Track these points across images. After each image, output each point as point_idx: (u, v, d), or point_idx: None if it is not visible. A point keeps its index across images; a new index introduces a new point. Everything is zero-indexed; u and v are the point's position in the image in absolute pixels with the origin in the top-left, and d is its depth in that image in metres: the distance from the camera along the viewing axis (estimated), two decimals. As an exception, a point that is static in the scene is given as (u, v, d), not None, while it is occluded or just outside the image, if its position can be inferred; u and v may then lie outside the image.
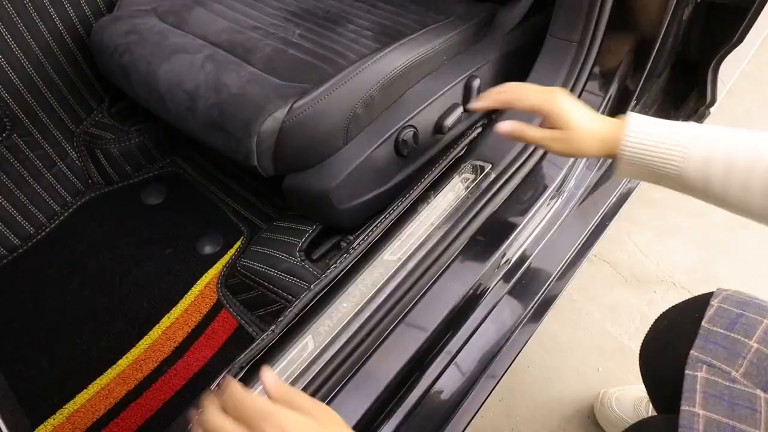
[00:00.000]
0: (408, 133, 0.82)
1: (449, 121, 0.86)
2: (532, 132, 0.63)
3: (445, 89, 0.85)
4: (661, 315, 0.72)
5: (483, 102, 0.66)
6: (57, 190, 1.12)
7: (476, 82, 0.88)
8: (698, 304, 0.65)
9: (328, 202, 0.81)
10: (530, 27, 0.97)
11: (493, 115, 0.95)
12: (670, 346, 0.65)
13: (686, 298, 0.69)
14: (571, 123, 0.60)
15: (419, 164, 0.89)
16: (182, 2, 1.02)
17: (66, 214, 1.14)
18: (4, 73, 0.96)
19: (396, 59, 0.81)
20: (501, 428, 1.06)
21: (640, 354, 0.73)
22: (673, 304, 0.71)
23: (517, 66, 0.96)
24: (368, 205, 0.85)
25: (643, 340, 0.73)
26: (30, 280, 1.03)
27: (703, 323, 0.60)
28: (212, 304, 0.97)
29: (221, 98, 0.78)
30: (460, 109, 0.89)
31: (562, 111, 0.60)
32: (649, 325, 0.73)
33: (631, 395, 1.00)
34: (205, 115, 0.80)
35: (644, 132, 0.57)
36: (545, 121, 0.63)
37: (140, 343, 0.93)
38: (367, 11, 1.02)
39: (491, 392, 0.76)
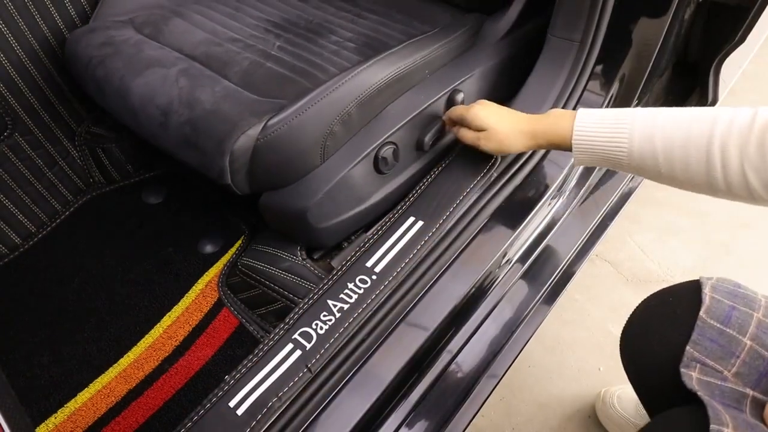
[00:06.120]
0: (388, 150, 0.79)
1: (431, 138, 0.83)
2: (465, 132, 0.76)
3: (427, 104, 0.82)
4: (642, 302, 0.72)
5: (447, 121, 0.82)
6: (58, 188, 1.12)
7: (460, 96, 0.86)
8: (681, 292, 0.66)
9: (304, 222, 0.79)
10: (517, 38, 0.95)
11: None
12: (656, 333, 0.65)
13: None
14: (486, 123, 0.72)
15: (400, 182, 0.86)
16: (161, 12, 0.99)
17: (67, 212, 1.14)
18: (5, 72, 0.96)
19: (375, 74, 0.78)
20: (502, 427, 1.06)
21: (621, 341, 0.73)
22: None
23: (503, 78, 0.94)
24: (347, 224, 0.83)
25: (625, 327, 0.73)
26: (31, 279, 1.03)
27: (700, 314, 0.61)
28: (213, 302, 0.97)
29: (194, 115, 0.76)
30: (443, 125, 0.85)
31: (477, 116, 0.73)
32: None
33: (632, 394, 1.00)
34: (177, 132, 0.78)
35: (589, 122, 0.64)
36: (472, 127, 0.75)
37: (141, 341, 0.93)
38: (350, 21, 0.99)
39: (492, 391, 0.76)
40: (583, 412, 1.07)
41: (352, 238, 0.88)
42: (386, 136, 0.79)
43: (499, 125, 0.71)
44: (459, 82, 0.86)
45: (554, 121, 0.68)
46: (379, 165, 0.80)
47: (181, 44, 0.90)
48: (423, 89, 0.84)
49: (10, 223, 1.06)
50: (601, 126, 0.63)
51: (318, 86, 0.75)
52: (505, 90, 0.95)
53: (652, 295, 0.71)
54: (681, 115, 0.59)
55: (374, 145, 0.78)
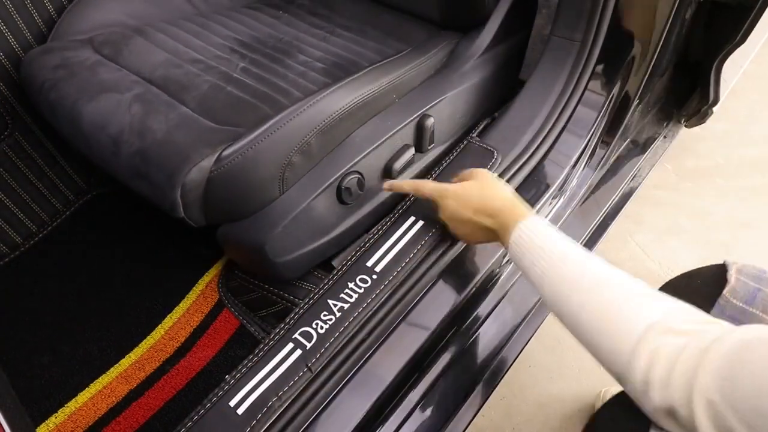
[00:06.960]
0: (352, 180, 0.77)
1: (399, 165, 0.80)
2: (425, 187, 0.72)
3: (395, 130, 0.79)
4: (666, 284, 0.71)
5: (395, 187, 0.77)
6: (59, 188, 1.12)
7: (430, 121, 0.83)
8: (707, 273, 0.65)
9: (262, 255, 0.76)
10: (491, 58, 0.93)
11: (496, 113, 0.95)
12: None
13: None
14: (447, 223, 0.70)
15: (366, 212, 0.83)
16: (122, 31, 0.94)
17: (68, 212, 1.14)
18: (5, 71, 0.96)
19: (336, 101, 0.74)
20: (502, 427, 1.06)
21: None
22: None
23: (476, 101, 0.92)
24: (309, 257, 0.80)
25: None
26: (32, 279, 1.03)
27: (724, 293, 0.60)
28: (213, 303, 0.97)
29: (145, 145, 0.72)
30: (412, 151, 0.83)
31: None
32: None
33: (632, 395, 1.00)
34: (128, 162, 0.73)
35: (522, 242, 0.62)
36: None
37: (142, 342, 0.93)
38: (322, 39, 0.96)
39: (492, 391, 0.76)
40: (584, 411, 1.07)
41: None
42: (350, 165, 0.76)
43: (458, 230, 0.69)
44: (429, 106, 0.83)
45: (505, 219, 0.65)
46: (342, 195, 0.77)
47: (139, 66, 0.84)
48: (390, 115, 0.81)
49: (10, 222, 1.06)
50: (527, 253, 0.61)
51: (279, 112, 0.71)
52: (477, 113, 0.93)
53: (675, 278, 0.70)
54: (600, 267, 0.57)
55: (337, 175, 0.75)
